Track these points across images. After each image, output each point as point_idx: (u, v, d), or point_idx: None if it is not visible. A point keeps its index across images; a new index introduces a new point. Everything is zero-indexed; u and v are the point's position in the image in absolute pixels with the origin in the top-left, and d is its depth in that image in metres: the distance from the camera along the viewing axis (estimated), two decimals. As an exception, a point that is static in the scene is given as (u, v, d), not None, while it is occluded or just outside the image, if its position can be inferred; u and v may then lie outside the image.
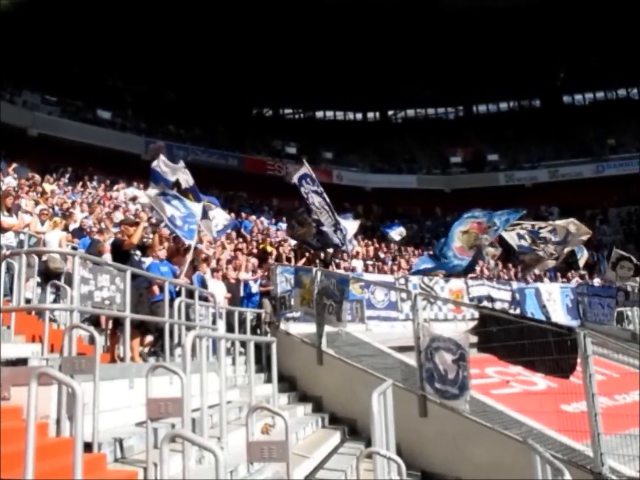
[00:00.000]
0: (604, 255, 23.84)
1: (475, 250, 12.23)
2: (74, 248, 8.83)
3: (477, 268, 16.73)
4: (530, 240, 13.00)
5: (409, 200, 33.24)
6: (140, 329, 6.47)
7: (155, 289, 7.12)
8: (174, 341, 6.95)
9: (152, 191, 9.33)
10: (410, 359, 7.56)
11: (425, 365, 6.89)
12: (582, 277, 19.08)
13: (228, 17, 30.21)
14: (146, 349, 7.19)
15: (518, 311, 12.73)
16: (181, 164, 9.92)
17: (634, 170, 32.36)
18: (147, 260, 8.24)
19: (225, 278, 10.40)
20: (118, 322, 6.20)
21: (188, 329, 6.82)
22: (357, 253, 15.58)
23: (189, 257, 8.64)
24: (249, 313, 9.49)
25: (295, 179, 11.56)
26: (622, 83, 38.09)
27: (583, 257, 16.99)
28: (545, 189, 33.54)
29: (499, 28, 32.45)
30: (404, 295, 11.16)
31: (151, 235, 10.45)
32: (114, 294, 5.73)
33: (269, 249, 14.08)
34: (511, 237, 13.23)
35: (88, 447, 3.79)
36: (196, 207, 9.24)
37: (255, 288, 10.62)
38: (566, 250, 13.45)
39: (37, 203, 12.23)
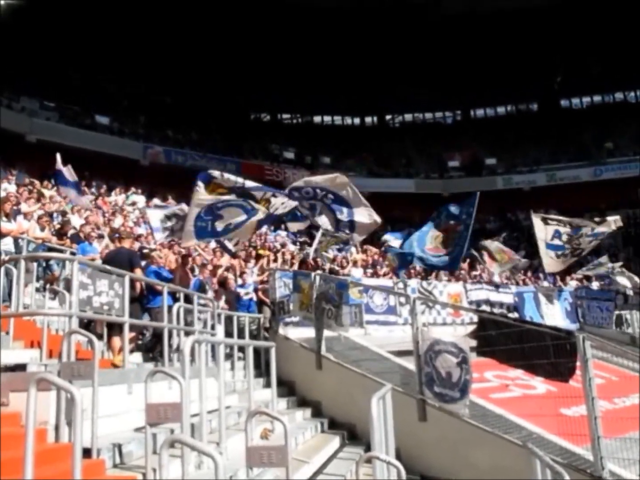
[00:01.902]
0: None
1: (455, 248, 11.92)
2: (73, 253, 8.81)
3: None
4: (566, 238, 12.61)
5: (407, 204, 33.27)
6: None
7: (137, 285, 7.06)
8: (173, 346, 6.95)
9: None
10: (409, 364, 7.53)
11: (425, 369, 6.87)
12: (580, 280, 19.10)
13: (226, 22, 30.33)
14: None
15: (516, 315, 12.71)
16: None
17: (631, 174, 32.46)
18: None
19: (224, 285, 10.38)
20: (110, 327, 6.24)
21: (187, 334, 6.82)
22: (356, 261, 15.57)
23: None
24: (248, 318, 9.49)
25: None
26: (620, 86, 38.26)
27: None
28: (543, 192, 33.61)
29: (496, 32, 32.63)
30: (402, 299, 11.13)
31: (152, 246, 10.48)
32: (112, 299, 5.73)
33: (265, 253, 14.08)
34: (545, 232, 12.82)
35: (87, 452, 3.78)
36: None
37: (247, 295, 10.56)
38: (592, 243, 13.04)
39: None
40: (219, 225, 8.45)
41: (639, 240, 30.73)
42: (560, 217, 12.96)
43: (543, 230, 12.63)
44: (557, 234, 12.49)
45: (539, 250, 12.83)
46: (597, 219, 13.11)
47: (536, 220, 12.81)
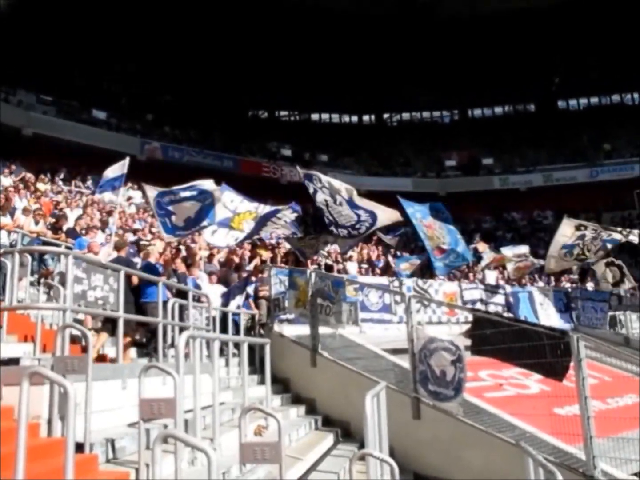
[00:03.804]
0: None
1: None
2: (69, 248, 8.78)
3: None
4: (590, 238, 12.50)
5: (404, 203, 33.29)
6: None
7: (134, 278, 7.03)
8: (167, 342, 6.93)
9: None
10: (404, 362, 7.55)
11: (419, 367, 6.88)
12: (573, 281, 19.17)
13: (225, 19, 30.27)
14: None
15: (510, 315, 12.73)
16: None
17: (627, 176, 32.60)
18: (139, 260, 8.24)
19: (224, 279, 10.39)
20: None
21: (181, 329, 6.80)
22: (351, 257, 15.57)
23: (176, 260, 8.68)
24: (243, 314, 9.47)
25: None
26: (617, 89, 38.39)
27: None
28: (540, 193, 33.75)
29: (494, 33, 32.68)
30: (398, 297, 11.14)
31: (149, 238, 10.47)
32: (107, 293, 5.71)
33: (263, 252, 14.07)
34: (571, 235, 12.68)
35: (80, 447, 3.77)
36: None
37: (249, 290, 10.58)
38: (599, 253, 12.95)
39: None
40: (178, 221, 8.71)
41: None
42: (595, 225, 12.89)
43: (570, 234, 12.57)
44: (581, 237, 12.50)
45: (550, 250, 12.86)
46: (626, 231, 12.97)
47: (567, 225, 12.72)
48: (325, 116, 40.92)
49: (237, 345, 7.91)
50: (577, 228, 12.55)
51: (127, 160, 11.10)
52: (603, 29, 32.08)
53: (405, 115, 41.42)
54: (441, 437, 6.69)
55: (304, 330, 8.78)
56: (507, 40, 33.03)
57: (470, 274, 17.39)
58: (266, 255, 13.69)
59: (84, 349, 4.55)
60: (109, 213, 14.80)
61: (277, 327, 9.28)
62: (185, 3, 29.31)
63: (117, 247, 7.98)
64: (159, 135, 30.86)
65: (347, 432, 7.48)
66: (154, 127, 31.41)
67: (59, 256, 7.94)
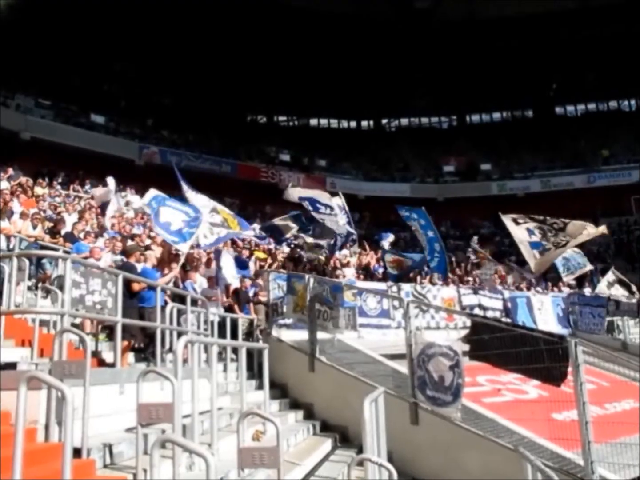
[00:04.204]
0: (596, 268, 23.97)
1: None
2: (67, 252, 8.77)
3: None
4: (540, 234, 12.46)
5: (402, 208, 33.29)
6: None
7: (135, 285, 7.02)
8: (165, 347, 6.92)
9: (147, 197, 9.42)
10: (402, 367, 7.54)
11: (417, 372, 6.88)
12: (571, 286, 19.16)
13: (223, 24, 30.34)
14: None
15: (509, 320, 12.73)
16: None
17: (624, 181, 32.71)
18: (139, 265, 8.21)
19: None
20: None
21: (180, 334, 6.79)
22: (349, 262, 15.55)
23: (175, 265, 8.67)
24: (241, 319, 9.46)
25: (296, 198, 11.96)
26: (614, 95, 38.53)
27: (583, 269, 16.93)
28: (537, 198, 33.74)
29: (492, 39, 32.84)
30: (396, 303, 11.14)
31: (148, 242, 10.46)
32: (105, 298, 5.70)
33: (261, 255, 14.08)
34: (521, 232, 12.67)
35: (77, 452, 3.76)
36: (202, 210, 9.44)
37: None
38: (573, 241, 12.76)
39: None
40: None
41: (631, 247, 30.92)
42: (526, 217, 12.92)
43: (518, 231, 12.63)
44: (530, 232, 12.51)
45: (523, 252, 12.82)
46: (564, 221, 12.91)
47: (508, 223, 12.82)
48: (323, 121, 40.96)
49: (235, 350, 7.90)
50: (516, 222, 12.62)
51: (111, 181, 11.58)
52: (600, 35, 32.24)
53: (404, 121, 41.48)
54: (439, 442, 6.68)
55: (302, 335, 8.78)
56: (504, 46, 33.18)
57: (469, 278, 17.41)
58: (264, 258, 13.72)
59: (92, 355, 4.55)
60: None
61: (275, 332, 9.28)
62: (184, 8, 29.39)
63: (128, 253, 7.93)
64: (157, 140, 30.88)
65: (345, 437, 7.47)
66: (153, 131, 31.44)
67: (56, 260, 7.94)
